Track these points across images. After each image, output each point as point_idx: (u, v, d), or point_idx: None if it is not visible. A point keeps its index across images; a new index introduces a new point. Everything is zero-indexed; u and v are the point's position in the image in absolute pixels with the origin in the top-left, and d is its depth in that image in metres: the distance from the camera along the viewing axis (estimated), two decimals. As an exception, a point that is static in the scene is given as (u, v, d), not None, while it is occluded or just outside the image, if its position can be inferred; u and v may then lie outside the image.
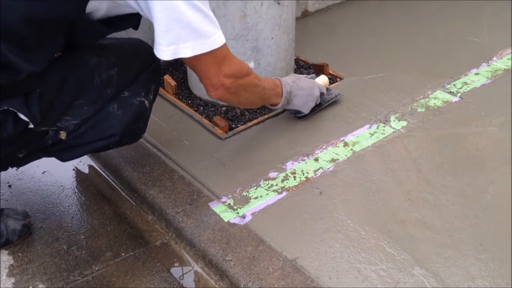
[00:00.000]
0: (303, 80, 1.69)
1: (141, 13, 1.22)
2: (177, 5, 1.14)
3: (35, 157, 1.41)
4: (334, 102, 1.85)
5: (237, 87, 1.36)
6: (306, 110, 1.72)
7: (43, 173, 1.70)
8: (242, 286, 1.24)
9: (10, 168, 1.41)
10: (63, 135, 1.29)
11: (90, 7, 1.17)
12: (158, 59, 1.45)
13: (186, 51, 1.20)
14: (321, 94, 1.76)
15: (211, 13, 1.22)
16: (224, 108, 1.86)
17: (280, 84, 1.60)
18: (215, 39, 1.23)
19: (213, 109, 1.87)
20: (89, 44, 1.32)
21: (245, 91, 1.41)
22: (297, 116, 1.77)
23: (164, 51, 1.20)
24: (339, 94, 1.88)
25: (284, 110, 1.78)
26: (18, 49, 1.10)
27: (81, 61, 1.29)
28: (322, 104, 1.82)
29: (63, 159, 1.39)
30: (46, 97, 1.20)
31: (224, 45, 1.26)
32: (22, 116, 1.16)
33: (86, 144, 1.35)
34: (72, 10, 1.14)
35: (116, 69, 1.33)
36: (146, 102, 1.39)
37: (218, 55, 1.26)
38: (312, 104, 1.73)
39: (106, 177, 1.70)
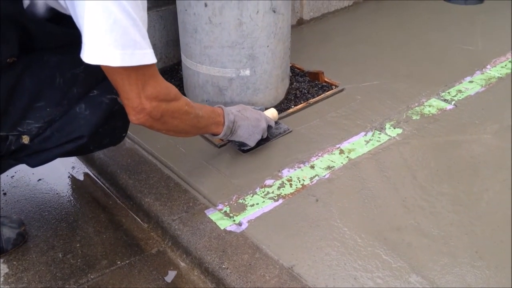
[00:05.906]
0: (249, 110, 1.59)
1: (65, 11, 1.12)
2: (106, 5, 1.03)
3: (6, 165, 1.33)
4: (329, 110, 1.86)
5: (162, 112, 1.23)
6: (252, 142, 1.61)
7: (38, 180, 1.70)
8: (238, 294, 1.24)
9: (3, 176, 1.40)
10: (26, 139, 1.22)
11: (25, 2, 1.10)
12: None
13: (114, 59, 1.07)
14: (269, 127, 1.67)
15: (142, 25, 1.10)
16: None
17: (222, 113, 1.50)
18: (146, 53, 1.11)
19: (209, 116, 1.86)
20: (50, 47, 1.22)
21: (172, 118, 1.28)
22: (242, 149, 1.66)
23: (88, 53, 1.06)
24: (288, 129, 1.77)
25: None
26: None
27: (40, 61, 1.21)
28: (270, 138, 1.71)
29: (31, 164, 1.30)
30: None
31: (154, 65, 1.16)
32: None
33: (53, 148, 1.26)
34: (8, 5, 1.08)
35: (82, 67, 1.23)
36: (119, 99, 1.27)
37: (145, 73, 1.15)
38: (259, 137, 1.62)
39: (102, 184, 1.69)
